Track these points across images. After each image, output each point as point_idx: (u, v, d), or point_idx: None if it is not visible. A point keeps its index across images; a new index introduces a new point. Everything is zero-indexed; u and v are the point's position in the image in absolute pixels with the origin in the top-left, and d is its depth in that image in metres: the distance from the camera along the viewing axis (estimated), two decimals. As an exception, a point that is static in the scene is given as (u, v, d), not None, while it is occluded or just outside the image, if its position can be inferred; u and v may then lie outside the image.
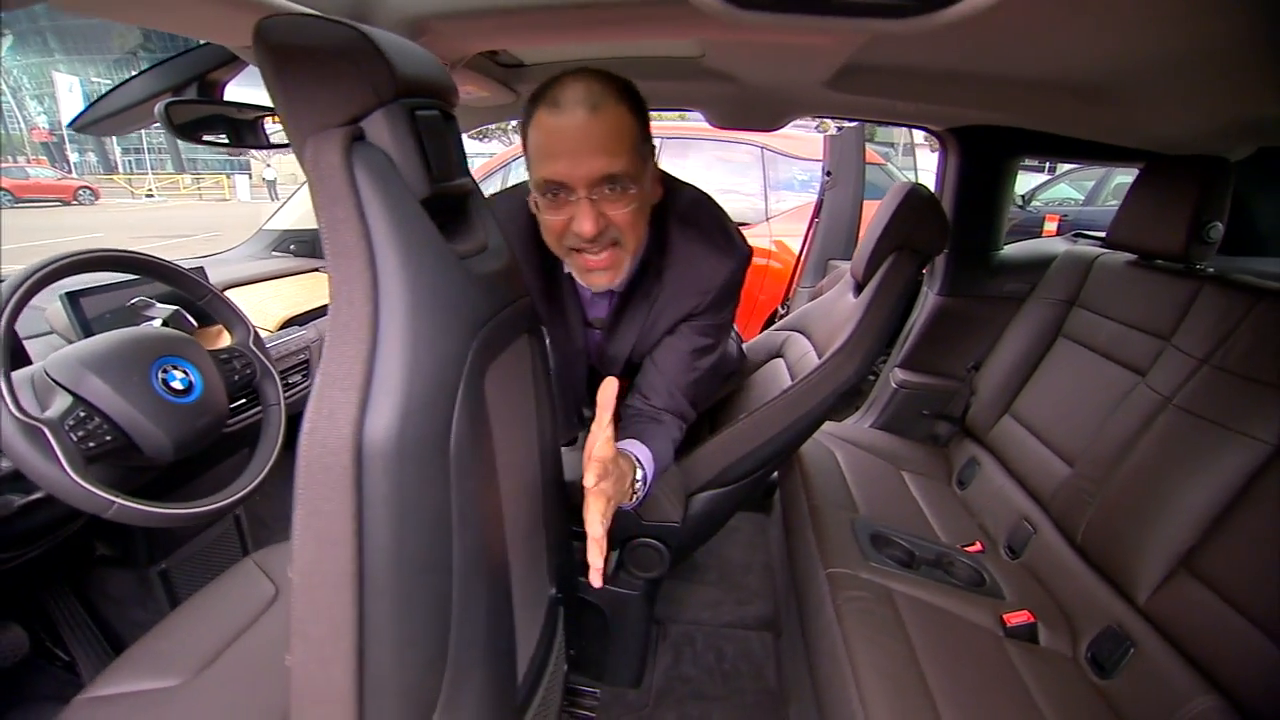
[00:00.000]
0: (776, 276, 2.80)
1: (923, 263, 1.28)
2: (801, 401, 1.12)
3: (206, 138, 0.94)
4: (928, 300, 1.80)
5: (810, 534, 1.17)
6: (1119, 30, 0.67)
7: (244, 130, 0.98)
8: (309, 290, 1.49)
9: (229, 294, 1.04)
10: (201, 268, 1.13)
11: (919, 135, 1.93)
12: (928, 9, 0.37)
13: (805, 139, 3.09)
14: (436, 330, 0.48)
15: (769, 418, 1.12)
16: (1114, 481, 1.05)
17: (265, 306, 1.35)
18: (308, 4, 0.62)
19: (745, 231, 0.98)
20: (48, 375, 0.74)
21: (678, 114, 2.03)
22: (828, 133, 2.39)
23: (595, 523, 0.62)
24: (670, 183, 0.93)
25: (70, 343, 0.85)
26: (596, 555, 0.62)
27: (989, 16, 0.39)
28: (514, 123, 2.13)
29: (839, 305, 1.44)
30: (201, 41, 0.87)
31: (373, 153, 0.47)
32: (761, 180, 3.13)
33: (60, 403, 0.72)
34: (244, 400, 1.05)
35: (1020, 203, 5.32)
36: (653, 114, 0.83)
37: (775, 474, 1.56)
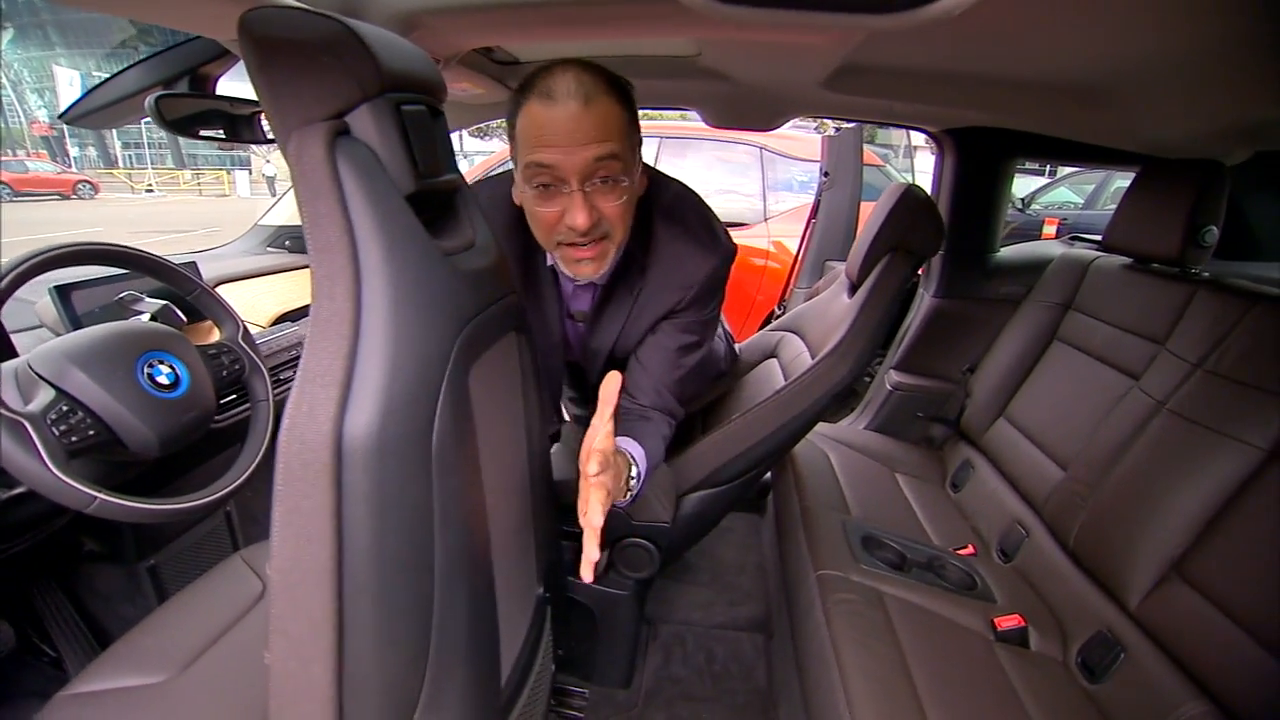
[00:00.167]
0: (775, 277, 2.79)
1: (917, 264, 1.28)
2: (794, 402, 1.12)
3: (203, 132, 0.94)
4: (923, 302, 1.80)
5: (801, 535, 1.17)
6: (1115, 31, 0.67)
7: (240, 125, 0.97)
8: (302, 286, 1.49)
9: (222, 289, 1.03)
10: (194, 263, 1.12)
11: (918, 138, 1.93)
12: (912, 4, 0.37)
13: (804, 140, 3.09)
14: (420, 326, 0.48)
15: (761, 418, 1.12)
16: (1107, 486, 1.04)
17: (258, 302, 1.34)
18: (298, -2, 0.61)
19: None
20: (31, 369, 0.73)
21: (678, 114, 2.02)
22: (826, 133, 2.39)
23: (597, 512, 0.61)
24: (655, 176, 0.93)
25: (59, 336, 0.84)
26: (594, 546, 0.61)
27: (978, 14, 0.38)
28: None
29: (834, 306, 1.43)
30: (193, 35, 0.86)
31: (357, 147, 0.47)
32: (760, 181, 3.12)
33: (43, 396, 0.71)
34: (234, 396, 1.05)
35: (1020, 206, 5.33)
36: (651, 113, 0.83)
37: (768, 475, 1.56)
